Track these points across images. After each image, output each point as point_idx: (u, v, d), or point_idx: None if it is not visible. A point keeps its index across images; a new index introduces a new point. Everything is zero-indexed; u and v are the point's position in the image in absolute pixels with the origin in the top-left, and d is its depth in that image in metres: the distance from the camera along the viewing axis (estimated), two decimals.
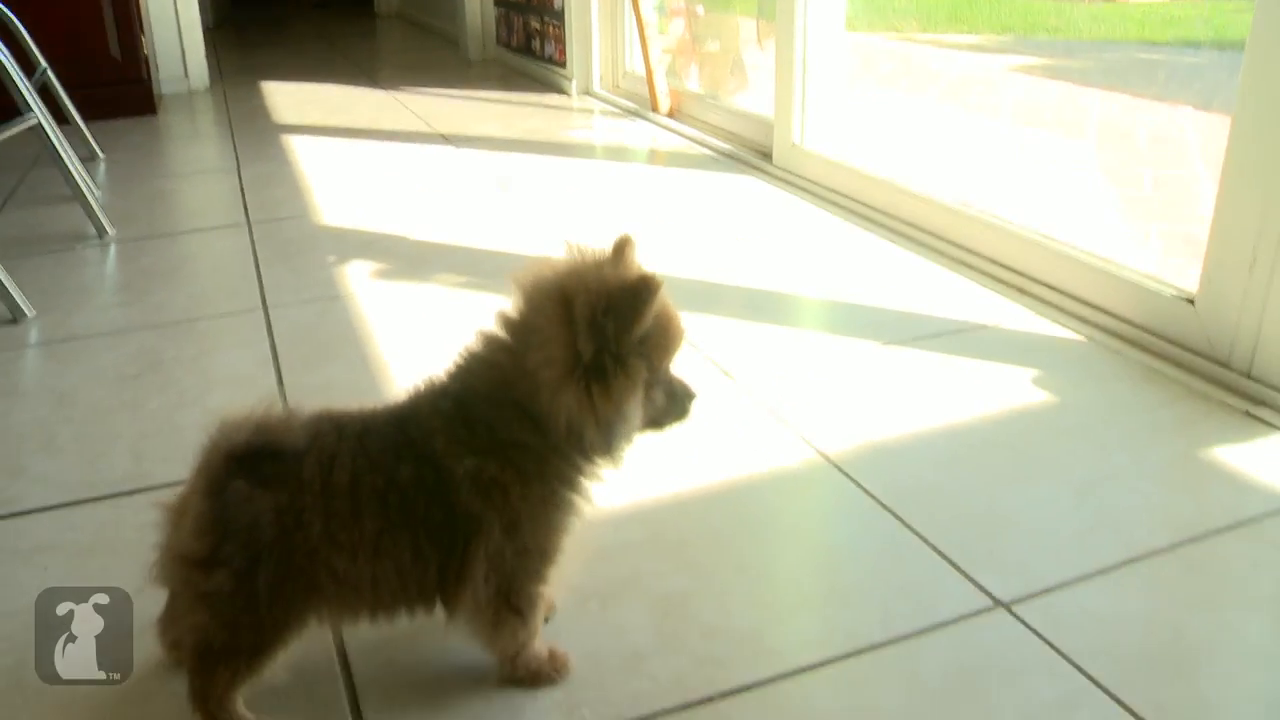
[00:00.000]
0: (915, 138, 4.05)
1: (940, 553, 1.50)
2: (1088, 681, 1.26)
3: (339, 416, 1.18)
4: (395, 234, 2.88)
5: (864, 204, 2.95)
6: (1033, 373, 2.00)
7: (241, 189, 3.34)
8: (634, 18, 4.16)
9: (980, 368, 2.03)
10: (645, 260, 1.19)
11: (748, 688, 1.27)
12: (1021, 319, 2.24)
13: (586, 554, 1.28)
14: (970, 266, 2.52)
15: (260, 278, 2.58)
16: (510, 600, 1.19)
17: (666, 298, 1.14)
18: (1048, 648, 1.32)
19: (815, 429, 1.83)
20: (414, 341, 2.21)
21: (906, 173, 2.92)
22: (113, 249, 2.86)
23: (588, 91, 4.67)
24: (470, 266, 2.63)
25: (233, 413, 1.12)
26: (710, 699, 1.25)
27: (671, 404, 1.21)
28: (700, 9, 4.47)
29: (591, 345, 1.09)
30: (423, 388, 1.21)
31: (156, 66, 4.89)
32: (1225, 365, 1.94)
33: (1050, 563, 1.47)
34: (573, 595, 1.40)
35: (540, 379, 1.11)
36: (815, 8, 3.15)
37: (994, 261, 2.48)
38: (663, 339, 1.15)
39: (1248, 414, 1.83)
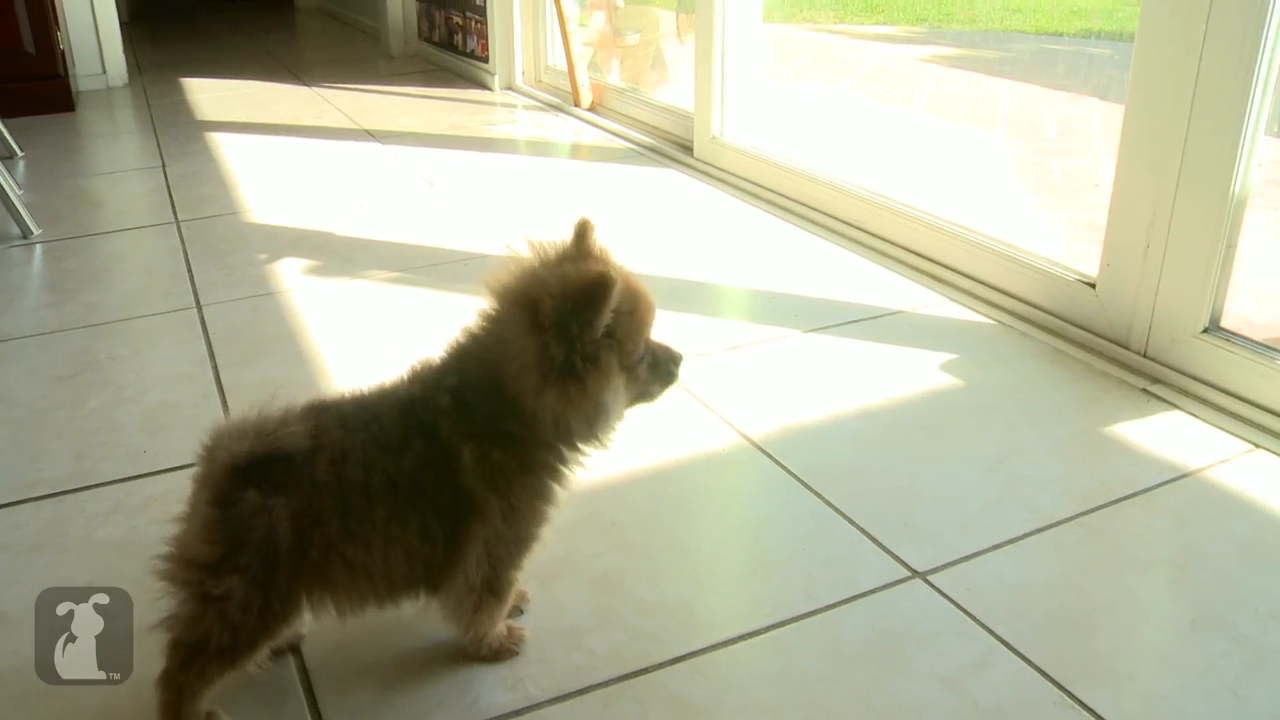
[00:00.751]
0: (832, 128, 4.13)
1: (859, 527, 1.59)
2: (997, 642, 1.35)
3: (336, 407, 1.20)
4: (324, 230, 2.91)
5: (783, 195, 3.03)
6: (944, 356, 2.10)
7: (168, 187, 3.33)
8: (555, 12, 4.19)
9: (894, 352, 2.12)
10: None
11: (681, 658, 1.34)
12: (934, 304, 2.34)
13: None
14: (885, 255, 2.61)
15: (192, 276, 2.60)
16: (491, 584, 1.24)
17: (630, 278, 1.19)
18: (961, 613, 1.41)
19: (738, 412, 1.91)
20: (348, 335, 2.25)
21: (823, 164, 3.00)
22: (39, 249, 2.85)
23: (510, 86, 4.69)
24: (399, 261, 2.66)
25: (230, 420, 1.12)
26: (646, 670, 1.32)
27: (656, 374, 1.24)
28: (620, 1, 4.51)
29: (561, 348, 1.12)
30: (420, 369, 1.23)
31: (73, 62, 4.81)
32: (1124, 346, 2.05)
33: (962, 534, 1.57)
34: None
35: (521, 386, 1.15)
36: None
37: (908, 250, 2.58)
38: (630, 324, 1.18)
39: (1144, 391, 1.94)
